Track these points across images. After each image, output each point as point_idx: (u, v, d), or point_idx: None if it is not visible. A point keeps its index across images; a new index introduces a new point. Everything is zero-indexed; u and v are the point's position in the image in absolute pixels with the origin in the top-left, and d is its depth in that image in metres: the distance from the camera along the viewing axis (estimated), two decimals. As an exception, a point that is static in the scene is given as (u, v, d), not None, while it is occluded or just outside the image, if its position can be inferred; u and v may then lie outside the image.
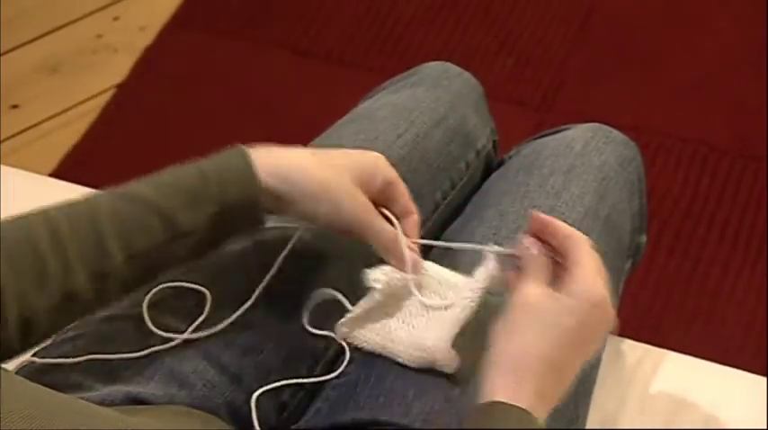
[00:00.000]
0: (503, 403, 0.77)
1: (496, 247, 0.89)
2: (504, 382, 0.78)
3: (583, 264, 0.81)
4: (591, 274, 0.81)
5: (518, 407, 0.76)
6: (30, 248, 0.79)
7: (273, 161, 0.87)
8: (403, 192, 0.93)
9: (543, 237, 0.85)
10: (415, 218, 0.93)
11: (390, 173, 0.92)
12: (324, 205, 0.88)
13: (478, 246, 0.90)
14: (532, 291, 0.81)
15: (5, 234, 0.79)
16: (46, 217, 0.82)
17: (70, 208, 0.83)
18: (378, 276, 0.91)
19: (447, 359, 0.89)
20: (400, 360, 0.91)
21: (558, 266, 0.84)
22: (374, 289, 0.92)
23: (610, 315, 0.82)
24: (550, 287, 0.82)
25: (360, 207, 0.89)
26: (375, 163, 0.91)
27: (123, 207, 0.83)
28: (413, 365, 0.91)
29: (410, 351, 0.91)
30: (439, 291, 0.93)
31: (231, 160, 0.86)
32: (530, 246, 0.84)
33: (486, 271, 0.89)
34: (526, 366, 0.78)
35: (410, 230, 0.93)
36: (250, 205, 0.86)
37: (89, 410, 0.69)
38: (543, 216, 0.85)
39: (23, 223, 0.81)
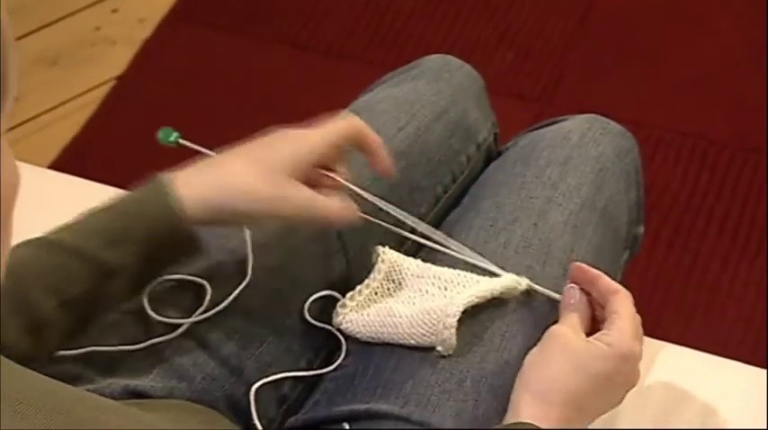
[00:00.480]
0: (531, 424, 0.81)
1: (537, 286, 0.93)
2: (533, 401, 0.83)
3: (622, 316, 0.86)
4: (628, 328, 0.86)
5: None
6: None
7: (198, 191, 0.85)
8: (352, 136, 0.91)
9: (584, 286, 0.89)
10: (375, 143, 0.92)
11: (321, 145, 0.89)
12: (259, 218, 0.89)
13: (523, 280, 0.93)
14: (569, 332, 0.86)
15: None
16: None
17: None
18: (385, 251, 0.95)
19: (448, 334, 0.89)
20: (399, 335, 0.91)
21: (594, 317, 0.89)
22: (380, 262, 0.94)
23: (637, 374, 0.87)
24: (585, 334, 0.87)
25: (294, 208, 0.87)
26: (295, 152, 0.88)
27: (44, 256, 0.83)
28: (411, 341, 0.91)
29: (411, 322, 0.91)
30: (439, 285, 0.94)
31: (151, 195, 0.85)
32: (573, 295, 0.89)
33: (510, 279, 0.92)
34: (554, 397, 0.83)
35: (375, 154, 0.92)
36: (176, 240, 0.85)
37: (101, 403, 0.68)
38: (587, 268, 0.90)
39: None
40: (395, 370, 0.91)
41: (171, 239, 0.85)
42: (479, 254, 0.95)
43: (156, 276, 0.89)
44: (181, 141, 0.96)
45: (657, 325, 1.69)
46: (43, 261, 0.83)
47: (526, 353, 0.90)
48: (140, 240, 0.84)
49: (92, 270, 0.83)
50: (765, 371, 1.16)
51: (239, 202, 0.86)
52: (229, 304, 0.93)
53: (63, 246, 0.83)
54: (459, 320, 0.89)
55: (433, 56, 1.19)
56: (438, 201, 1.08)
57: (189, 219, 0.85)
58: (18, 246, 0.83)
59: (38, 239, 0.84)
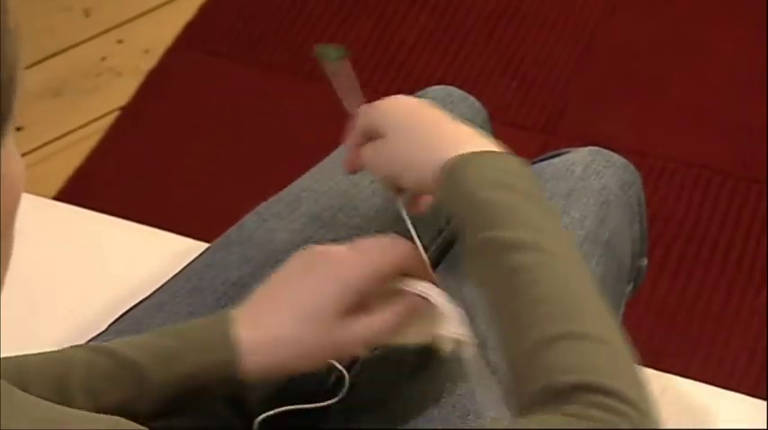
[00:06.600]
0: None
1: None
2: None
3: None
4: None
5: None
6: None
7: (258, 339, 0.83)
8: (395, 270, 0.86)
9: None
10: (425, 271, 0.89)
11: (369, 282, 0.84)
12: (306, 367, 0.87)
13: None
14: None
15: None
16: (17, 362, 0.81)
17: (46, 355, 0.83)
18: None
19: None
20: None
21: None
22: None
23: None
24: None
25: (339, 351, 0.86)
26: (342, 292, 0.83)
27: (96, 359, 0.83)
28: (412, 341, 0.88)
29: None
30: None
31: (213, 331, 0.84)
32: None
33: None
34: None
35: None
36: (221, 375, 0.83)
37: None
38: None
39: None
40: (397, 403, 0.91)
41: (217, 373, 0.83)
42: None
43: (186, 404, 0.85)
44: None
45: (661, 356, 1.69)
46: (94, 366, 0.82)
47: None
48: (189, 366, 0.83)
49: (134, 382, 0.82)
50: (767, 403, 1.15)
51: (289, 359, 0.85)
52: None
53: (117, 355, 0.83)
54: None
55: (436, 87, 1.19)
56: (440, 233, 1.07)
57: (241, 364, 0.83)
58: (76, 346, 0.84)
59: (95, 345, 0.85)
